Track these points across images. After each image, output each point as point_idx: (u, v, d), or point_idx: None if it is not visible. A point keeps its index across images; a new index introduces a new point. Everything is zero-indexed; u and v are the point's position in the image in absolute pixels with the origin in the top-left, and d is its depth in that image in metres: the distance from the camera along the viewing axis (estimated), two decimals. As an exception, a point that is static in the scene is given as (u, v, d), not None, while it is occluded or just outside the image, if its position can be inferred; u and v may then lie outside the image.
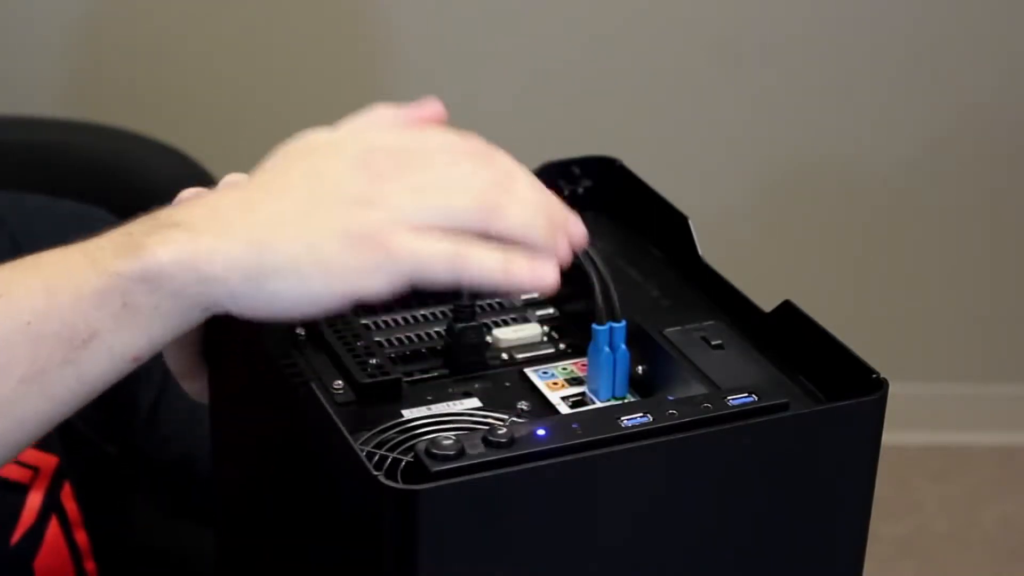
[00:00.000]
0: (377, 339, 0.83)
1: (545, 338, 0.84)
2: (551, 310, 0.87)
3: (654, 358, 0.79)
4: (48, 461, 1.09)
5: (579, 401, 0.78)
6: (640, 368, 0.79)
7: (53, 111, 2.08)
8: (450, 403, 0.78)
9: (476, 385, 0.80)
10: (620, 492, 0.69)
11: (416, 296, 0.86)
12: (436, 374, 0.81)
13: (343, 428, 0.69)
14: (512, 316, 0.86)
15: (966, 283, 2.51)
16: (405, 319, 0.85)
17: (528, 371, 0.81)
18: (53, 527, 1.10)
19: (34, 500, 1.09)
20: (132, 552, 1.21)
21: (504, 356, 0.82)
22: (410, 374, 0.80)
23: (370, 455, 0.71)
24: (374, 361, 0.79)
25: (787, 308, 0.78)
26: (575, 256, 0.77)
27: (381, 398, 0.77)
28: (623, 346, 0.78)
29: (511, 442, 0.67)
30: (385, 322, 0.85)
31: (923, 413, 2.52)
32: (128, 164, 1.45)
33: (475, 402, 0.78)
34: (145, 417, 1.14)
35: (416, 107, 0.78)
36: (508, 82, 2.33)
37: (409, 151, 0.74)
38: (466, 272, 0.71)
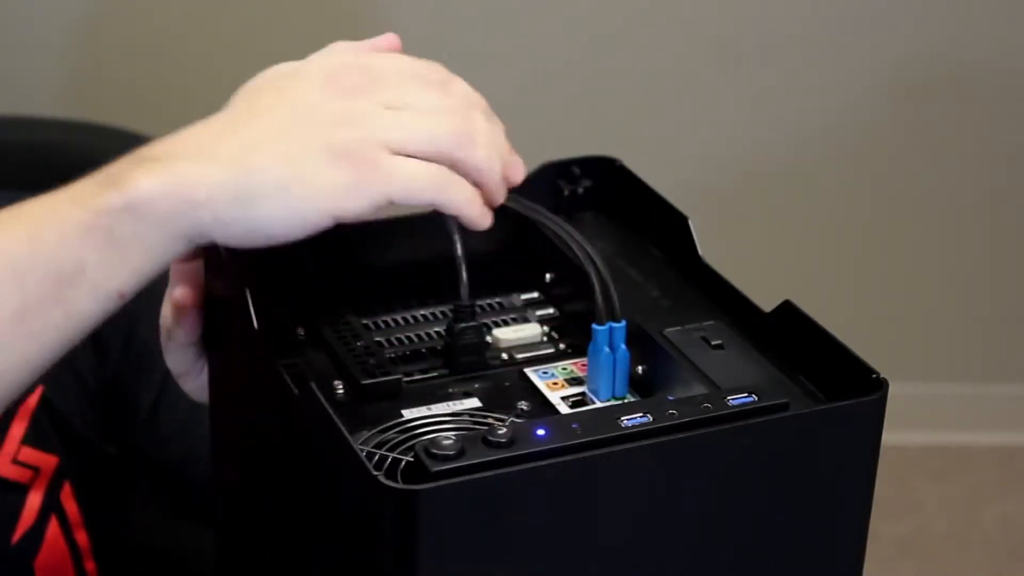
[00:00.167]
0: (377, 339, 0.83)
1: (545, 338, 0.84)
2: (551, 310, 0.87)
3: (654, 358, 0.79)
4: (48, 461, 1.09)
5: (579, 401, 0.78)
6: (640, 368, 0.79)
7: (53, 111, 2.08)
8: (450, 403, 0.78)
9: (476, 385, 0.80)
10: (620, 492, 0.69)
11: (416, 296, 0.86)
12: (436, 374, 0.81)
13: (343, 428, 0.68)
14: (512, 316, 0.86)
15: (966, 283, 2.51)
16: (405, 319, 0.85)
17: (528, 371, 0.81)
18: (53, 527, 1.10)
19: (34, 500, 1.09)
20: (132, 552, 1.21)
21: (504, 356, 0.82)
22: (410, 374, 0.80)
23: (370, 455, 0.71)
24: (374, 361, 0.79)
25: (787, 308, 0.78)
26: (575, 256, 0.78)
27: (381, 398, 0.77)
28: (623, 346, 0.78)
29: (511, 442, 0.67)
30: (385, 322, 0.85)
31: (923, 413, 2.52)
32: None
33: (475, 402, 0.78)
34: (145, 417, 1.14)
35: (373, 40, 0.80)
36: (508, 82, 2.33)
37: (375, 69, 0.76)
38: (445, 198, 0.73)
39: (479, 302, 0.85)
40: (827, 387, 0.76)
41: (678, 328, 0.80)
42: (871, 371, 0.73)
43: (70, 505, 1.10)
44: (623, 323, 0.78)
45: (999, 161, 2.43)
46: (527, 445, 0.67)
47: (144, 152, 0.74)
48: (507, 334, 0.83)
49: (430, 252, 0.82)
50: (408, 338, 0.83)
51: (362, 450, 0.70)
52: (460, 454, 0.66)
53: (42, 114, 1.85)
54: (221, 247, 0.76)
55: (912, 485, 2.47)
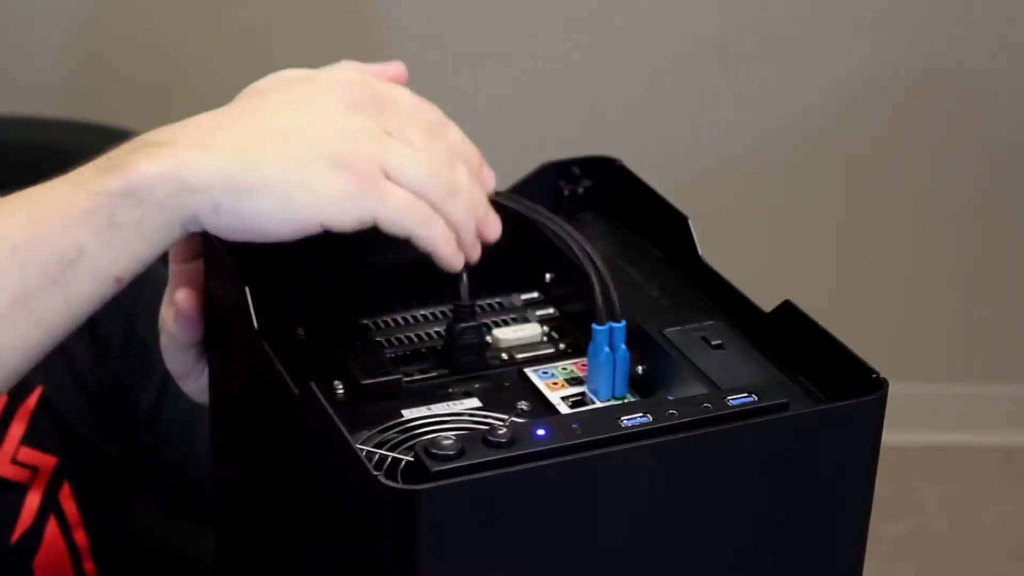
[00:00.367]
0: (377, 339, 0.83)
1: (545, 338, 0.84)
2: (551, 310, 0.87)
3: (654, 358, 0.79)
4: (47, 461, 1.09)
5: (579, 401, 0.78)
6: (640, 368, 0.79)
7: (53, 111, 2.08)
8: (450, 403, 0.78)
9: (476, 385, 0.80)
10: (620, 492, 0.69)
11: (416, 296, 0.86)
12: (436, 374, 0.81)
13: (343, 428, 0.68)
14: (512, 316, 0.86)
15: (966, 283, 2.51)
16: (405, 319, 0.85)
17: (528, 371, 0.81)
18: (52, 527, 1.10)
19: (33, 500, 1.09)
20: (131, 552, 1.21)
21: (504, 356, 0.82)
22: (410, 374, 0.80)
23: (370, 455, 0.71)
24: (374, 361, 0.79)
25: (787, 308, 0.78)
26: (575, 256, 0.78)
27: (381, 398, 0.77)
28: (623, 346, 0.78)
29: (511, 442, 0.67)
30: (385, 322, 0.85)
31: (923, 413, 2.52)
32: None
33: (475, 402, 0.78)
34: (145, 418, 1.14)
35: (381, 65, 0.81)
36: (508, 82, 2.33)
37: (382, 95, 0.77)
38: (425, 233, 0.75)
39: (479, 302, 0.85)
40: (827, 387, 0.76)
41: (678, 328, 0.80)
42: (871, 371, 0.73)
43: (69, 505, 1.10)
44: (623, 323, 0.78)
45: (999, 161, 2.43)
46: (527, 445, 0.67)
47: (145, 138, 0.75)
48: (507, 334, 0.83)
49: (430, 252, 0.82)
50: (408, 338, 0.83)
51: (362, 450, 0.70)
52: (460, 454, 0.66)
53: (42, 114, 1.85)
54: (219, 245, 0.77)
55: (912, 485, 2.47)
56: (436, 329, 0.84)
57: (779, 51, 2.33)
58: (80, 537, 1.11)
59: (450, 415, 0.77)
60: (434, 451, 0.66)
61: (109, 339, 1.12)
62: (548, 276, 0.88)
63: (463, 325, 0.81)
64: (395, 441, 0.74)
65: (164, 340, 0.85)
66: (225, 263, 0.79)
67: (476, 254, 0.78)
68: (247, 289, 0.76)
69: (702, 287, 0.85)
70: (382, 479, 0.65)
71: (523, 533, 0.67)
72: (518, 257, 0.86)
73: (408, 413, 0.77)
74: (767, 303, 0.80)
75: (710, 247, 0.86)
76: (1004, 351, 2.57)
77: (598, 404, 0.78)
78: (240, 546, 0.88)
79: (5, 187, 1.18)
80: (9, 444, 1.08)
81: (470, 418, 0.77)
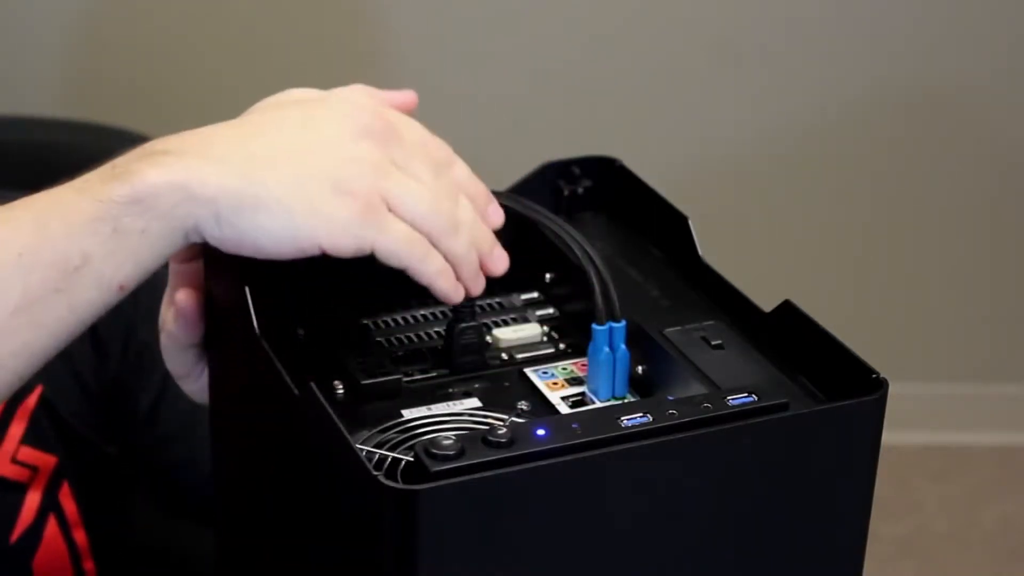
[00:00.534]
0: (377, 339, 0.83)
1: (545, 338, 0.84)
2: (551, 310, 0.87)
3: (654, 358, 0.79)
4: (47, 461, 1.09)
5: (579, 401, 0.78)
6: (640, 368, 0.79)
7: (53, 111, 2.08)
8: (450, 403, 0.78)
9: (476, 385, 0.80)
10: (620, 492, 0.69)
11: (416, 296, 0.86)
12: (436, 374, 0.81)
13: (343, 428, 0.68)
14: (512, 316, 0.86)
15: (966, 283, 2.51)
16: (405, 319, 0.85)
17: (528, 371, 0.81)
18: (51, 526, 1.10)
19: (32, 499, 1.09)
20: (131, 552, 1.21)
21: (504, 356, 0.82)
22: (410, 374, 0.80)
23: (370, 455, 0.71)
24: (374, 361, 0.79)
25: (787, 308, 0.78)
26: (575, 256, 0.79)
27: (381, 398, 0.77)
28: (623, 346, 0.78)
29: (511, 442, 0.67)
30: (385, 322, 0.85)
31: (923, 413, 2.52)
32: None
33: (475, 402, 0.78)
34: (144, 418, 1.14)
35: (392, 93, 0.82)
36: (508, 82, 2.33)
37: (393, 126, 0.77)
38: (420, 267, 0.75)
39: (479, 302, 0.85)
40: (827, 387, 0.76)
41: (678, 328, 0.80)
42: (871, 371, 0.73)
43: (68, 504, 1.10)
44: (623, 323, 0.78)
45: (999, 161, 2.43)
46: (527, 445, 0.67)
47: (151, 147, 0.75)
48: (507, 334, 0.83)
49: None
50: (408, 338, 0.83)
51: (362, 450, 0.70)
52: (460, 454, 0.66)
53: (42, 114, 1.85)
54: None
55: (912, 485, 2.47)
56: (436, 329, 0.84)
57: (779, 51, 2.33)
58: (80, 536, 1.11)
59: (450, 415, 0.77)
60: (434, 451, 0.66)
61: (109, 340, 1.12)
62: (548, 276, 0.88)
63: (463, 325, 0.81)
64: (395, 441, 0.74)
65: (164, 340, 0.85)
66: (225, 264, 0.79)
67: (478, 288, 0.78)
68: (247, 289, 0.76)
69: (702, 287, 0.85)
70: (382, 479, 0.65)
71: (523, 533, 0.67)
72: (518, 257, 0.85)
73: (408, 413, 0.77)
74: (767, 303, 0.80)
75: (710, 247, 0.86)
76: (1004, 351, 2.57)
77: (598, 404, 0.78)
78: (240, 546, 0.88)
79: (5, 187, 1.18)
80: (9, 443, 1.08)
81: (470, 418, 0.77)
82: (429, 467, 0.66)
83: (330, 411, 0.70)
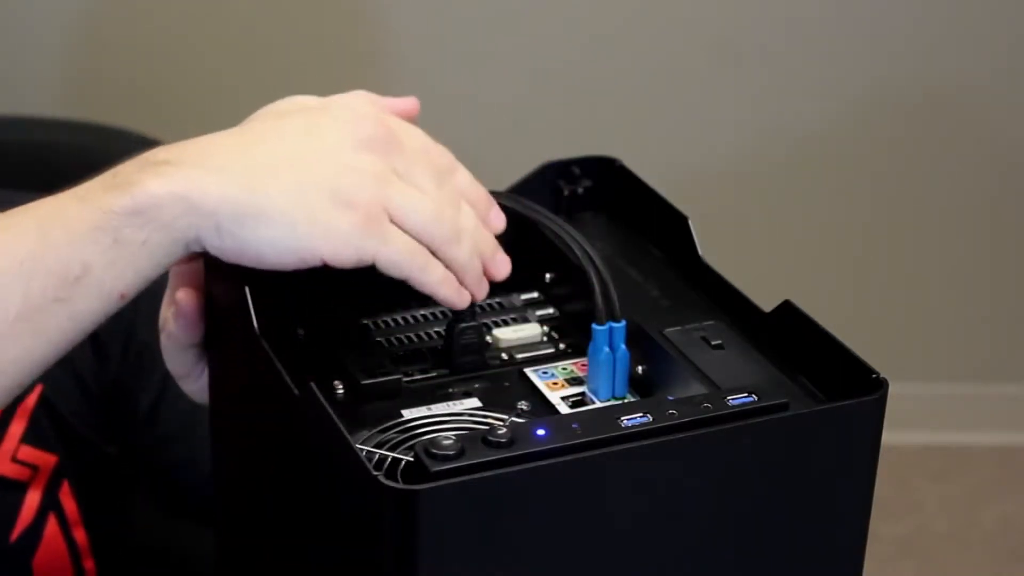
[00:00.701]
0: (377, 339, 0.83)
1: (545, 338, 0.84)
2: (551, 310, 0.87)
3: (654, 358, 0.79)
4: (47, 460, 1.09)
5: (579, 401, 0.78)
6: (640, 368, 0.79)
7: (53, 111, 2.08)
8: (450, 403, 0.78)
9: (476, 385, 0.80)
10: (620, 492, 0.69)
11: (416, 296, 0.86)
12: (436, 374, 0.81)
13: (343, 428, 0.68)
14: (512, 316, 0.86)
15: (966, 283, 2.51)
16: (405, 319, 0.85)
17: (528, 371, 0.81)
18: (51, 525, 1.10)
19: (32, 498, 1.09)
20: (131, 551, 1.21)
21: (504, 356, 0.82)
22: (410, 374, 0.80)
23: (370, 455, 0.71)
24: (374, 361, 0.79)
25: (787, 308, 0.78)
26: (575, 256, 0.79)
27: (381, 398, 0.77)
28: (623, 346, 0.78)
29: (511, 442, 0.67)
30: (385, 322, 0.85)
31: (923, 413, 2.52)
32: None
33: (475, 402, 0.78)
34: (144, 418, 1.14)
35: (394, 100, 0.82)
36: (508, 82, 2.33)
37: (395, 135, 0.77)
38: (421, 277, 0.76)
39: (479, 302, 0.85)
40: (827, 387, 0.76)
41: (678, 328, 0.80)
42: (871, 371, 0.73)
43: (68, 503, 1.10)
44: (623, 323, 0.78)
45: (999, 161, 2.43)
46: (527, 445, 0.67)
47: (152, 156, 0.75)
48: (507, 334, 0.83)
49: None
50: (408, 338, 0.83)
51: (362, 450, 0.70)
52: (460, 454, 0.66)
53: (42, 114, 1.85)
54: None
55: (912, 485, 2.47)
56: (436, 329, 0.84)
57: (779, 51, 2.33)
58: (80, 535, 1.11)
59: (450, 415, 0.77)
60: (434, 451, 0.66)
61: (109, 341, 1.12)
62: (548, 276, 0.88)
63: (463, 325, 0.81)
64: (395, 441, 0.74)
65: (164, 340, 0.85)
66: (226, 264, 0.79)
67: (482, 294, 0.79)
68: (247, 289, 0.76)
69: (702, 287, 0.85)
70: (382, 479, 0.65)
71: (523, 533, 0.67)
72: (518, 257, 0.85)
73: (408, 413, 0.77)
74: (767, 303, 0.80)
75: (710, 247, 0.86)
76: (1004, 351, 2.57)
77: (598, 404, 0.78)
78: (240, 546, 0.88)
79: (5, 187, 1.18)
80: (9, 442, 1.08)
81: (470, 418, 0.77)
82: (429, 467, 0.66)
83: (330, 411, 0.70)
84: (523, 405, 0.78)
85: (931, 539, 2.38)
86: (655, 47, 2.32)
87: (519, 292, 0.88)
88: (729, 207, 2.40)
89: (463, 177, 0.80)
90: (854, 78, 2.36)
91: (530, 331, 0.84)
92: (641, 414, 0.70)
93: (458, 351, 0.81)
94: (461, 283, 0.78)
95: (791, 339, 0.78)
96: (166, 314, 0.85)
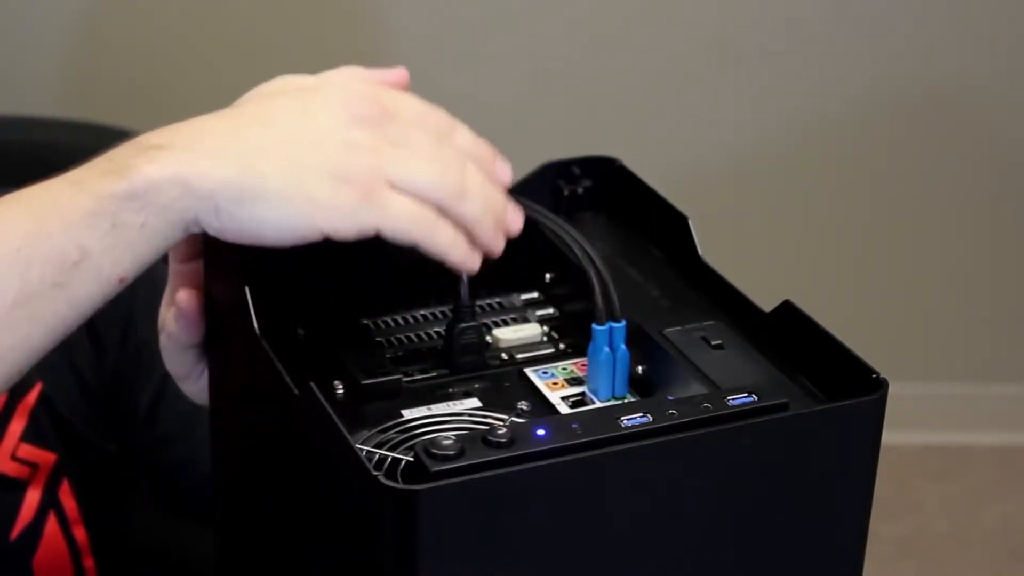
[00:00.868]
0: (377, 339, 0.83)
1: (545, 338, 0.84)
2: (551, 310, 0.87)
3: (654, 358, 0.79)
4: (47, 458, 1.09)
5: (579, 401, 0.78)
6: (640, 368, 0.79)
7: (53, 111, 2.08)
8: (450, 403, 0.78)
9: (476, 385, 0.80)
10: (620, 492, 0.69)
11: (416, 296, 0.86)
12: (436, 374, 0.81)
13: (343, 428, 0.68)
14: (512, 316, 0.86)
15: (966, 283, 2.51)
16: (405, 319, 0.85)
17: (528, 371, 0.81)
18: (51, 524, 1.10)
19: (32, 497, 1.09)
20: (131, 551, 1.21)
21: (504, 356, 0.82)
22: (410, 374, 0.80)
23: (370, 455, 0.71)
24: (374, 361, 0.79)
25: (787, 308, 0.78)
26: (575, 256, 0.78)
27: (381, 398, 0.77)
28: (623, 346, 0.78)
29: (511, 442, 0.67)
30: (385, 322, 0.85)
31: (923, 413, 2.52)
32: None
33: (475, 402, 0.78)
34: (144, 417, 1.14)
35: (384, 71, 0.81)
36: (508, 82, 2.33)
37: (388, 105, 0.77)
38: (430, 241, 0.75)
39: (479, 302, 0.85)
40: (827, 387, 0.76)
41: (678, 328, 0.80)
42: (871, 371, 0.73)
43: (68, 502, 1.10)
44: (623, 323, 0.78)
45: (999, 161, 2.43)
46: (527, 445, 0.67)
47: (145, 140, 0.75)
48: (507, 334, 0.83)
49: (430, 252, 0.82)
50: (408, 338, 0.83)
51: (362, 450, 0.70)
52: (460, 454, 0.66)
53: (42, 114, 1.85)
54: (221, 242, 0.77)
55: (912, 485, 2.47)
56: (436, 329, 0.84)
57: (779, 51, 2.33)
58: (80, 534, 1.11)
59: (450, 415, 0.77)
60: (434, 451, 0.66)
61: (106, 334, 1.12)
62: (548, 276, 0.88)
63: (463, 325, 0.81)
64: (395, 441, 0.74)
65: (164, 340, 0.85)
66: (226, 262, 0.79)
67: (499, 248, 0.78)
68: (247, 289, 0.76)
69: (702, 287, 0.85)
70: (382, 479, 0.65)
71: (523, 533, 0.67)
72: (518, 257, 0.86)
73: (408, 413, 0.77)
74: (767, 303, 0.80)
75: (710, 247, 0.86)
76: (1004, 351, 2.57)
77: (598, 404, 0.78)
78: (240, 546, 0.88)
79: (5, 187, 1.18)
80: (9, 441, 1.08)
81: (470, 418, 0.77)
82: (429, 467, 0.66)
83: (330, 411, 0.70)
84: (523, 405, 0.78)
85: (931, 539, 2.38)
86: (655, 47, 2.32)
87: (519, 292, 0.88)
88: (729, 207, 2.40)
89: (463, 135, 0.79)
90: (854, 78, 2.36)
91: (530, 331, 0.84)
92: (641, 414, 0.70)
93: (458, 351, 0.81)
94: (476, 241, 0.76)
95: (791, 339, 0.78)
96: (166, 314, 0.85)
